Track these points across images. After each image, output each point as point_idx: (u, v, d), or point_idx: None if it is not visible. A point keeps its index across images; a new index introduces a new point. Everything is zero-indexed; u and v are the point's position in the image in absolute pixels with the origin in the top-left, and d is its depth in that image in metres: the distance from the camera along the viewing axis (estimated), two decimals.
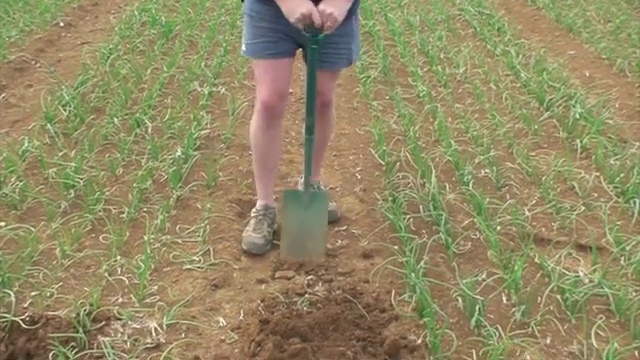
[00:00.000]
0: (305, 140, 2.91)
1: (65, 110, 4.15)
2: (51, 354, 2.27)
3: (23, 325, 2.37)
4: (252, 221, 3.05)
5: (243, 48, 2.91)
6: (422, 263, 2.77)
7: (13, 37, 5.55)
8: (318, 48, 2.67)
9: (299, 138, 3.78)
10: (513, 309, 2.60)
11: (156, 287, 2.70)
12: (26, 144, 3.70)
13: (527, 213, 3.22)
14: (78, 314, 2.43)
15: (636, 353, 2.40)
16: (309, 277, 2.77)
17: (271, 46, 2.79)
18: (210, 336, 2.45)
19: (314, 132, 2.87)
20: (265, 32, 2.78)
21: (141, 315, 2.54)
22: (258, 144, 2.99)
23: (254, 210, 3.10)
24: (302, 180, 3.15)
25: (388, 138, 3.96)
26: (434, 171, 3.46)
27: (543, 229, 3.14)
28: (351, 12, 2.74)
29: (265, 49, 2.81)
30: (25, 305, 2.57)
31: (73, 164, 3.47)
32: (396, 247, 2.93)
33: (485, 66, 5.17)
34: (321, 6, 2.59)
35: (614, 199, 3.35)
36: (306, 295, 2.65)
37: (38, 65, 5.12)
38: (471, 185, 3.38)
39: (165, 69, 4.87)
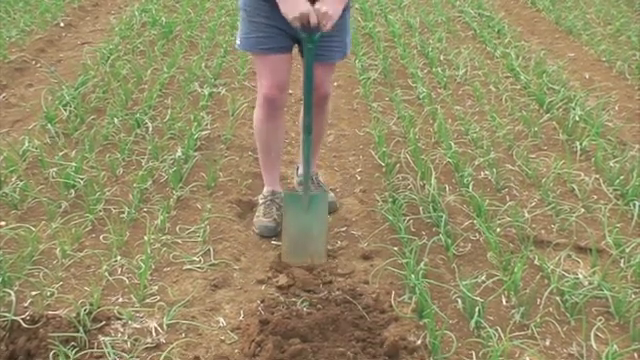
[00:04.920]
0: (303, 140, 2.96)
1: (65, 110, 4.15)
2: (51, 353, 2.27)
3: (23, 324, 2.38)
4: (261, 207, 3.15)
5: (237, 42, 2.98)
6: (422, 264, 2.77)
7: (14, 37, 5.55)
8: (314, 48, 2.76)
9: (299, 139, 3.78)
10: (513, 311, 2.60)
11: (156, 287, 2.70)
12: (26, 144, 3.70)
13: (527, 215, 3.22)
14: (78, 314, 2.43)
15: (635, 355, 2.40)
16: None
17: (265, 41, 2.86)
18: (210, 336, 2.46)
19: (312, 131, 2.92)
20: (260, 27, 2.84)
21: (141, 315, 2.54)
22: (261, 135, 3.09)
23: (262, 196, 3.20)
24: (298, 174, 3.27)
25: (388, 139, 3.97)
26: (434, 173, 3.47)
27: (543, 231, 3.15)
28: (345, 7, 2.81)
29: (259, 44, 2.88)
30: (25, 304, 2.57)
31: (73, 164, 3.47)
32: (396, 248, 2.93)
33: (485, 68, 5.18)
34: (317, 5, 2.68)
35: (614, 201, 3.36)
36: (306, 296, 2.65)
37: (38, 65, 5.12)
38: (471, 187, 3.39)
39: (165, 70, 4.88)
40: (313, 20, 2.68)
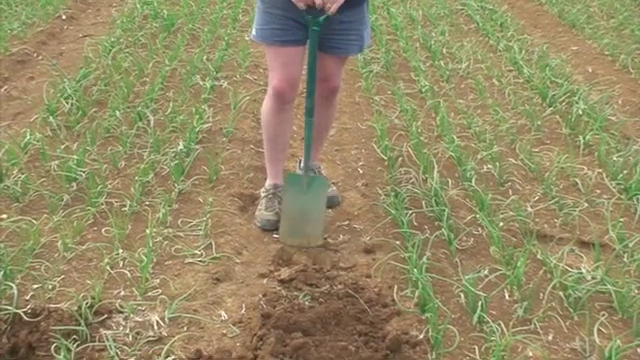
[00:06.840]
0: (305, 122, 2.97)
1: (67, 103, 4.14)
2: (53, 347, 2.26)
3: (25, 318, 2.37)
4: (263, 200, 3.16)
5: (253, 32, 2.97)
6: (424, 259, 2.76)
7: (15, 30, 5.53)
8: (319, 31, 2.74)
9: (301, 133, 3.78)
10: (515, 305, 2.60)
11: (158, 280, 2.70)
12: (28, 137, 3.69)
13: (530, 209, 3.21)
14: (80, 307, 2.43)
15: (638, 350, 2.39)
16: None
17: (280, 33, 2.84)
18: (212, 330, 2.45)
19: (314, 114, 2.91)
20: (275, 19, 2.83)
21: (143, 308, 2.54)
22: (269, 127, 3.09)
23: (264, 189, 3.19)
24: (302, 164, 3.24)
25: (390, 133, 3.96)
26: (436, 166, 3.46)
27: (546, 225, 3.14)
28: None
29: (274, 35, 2.86)
30: (27, 298, 2.56)
31: (75, 157, 3.46)
32: (398, 242, 2.93)
33: (488, 61, 5.16)
34: None
35: (617, 196, 3.35)
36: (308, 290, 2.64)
37: (40, 58, 5.11)
38: (473, 181, 3.38)
39: (167, 62, 4.86)
40: (317, 1, 2.64)
